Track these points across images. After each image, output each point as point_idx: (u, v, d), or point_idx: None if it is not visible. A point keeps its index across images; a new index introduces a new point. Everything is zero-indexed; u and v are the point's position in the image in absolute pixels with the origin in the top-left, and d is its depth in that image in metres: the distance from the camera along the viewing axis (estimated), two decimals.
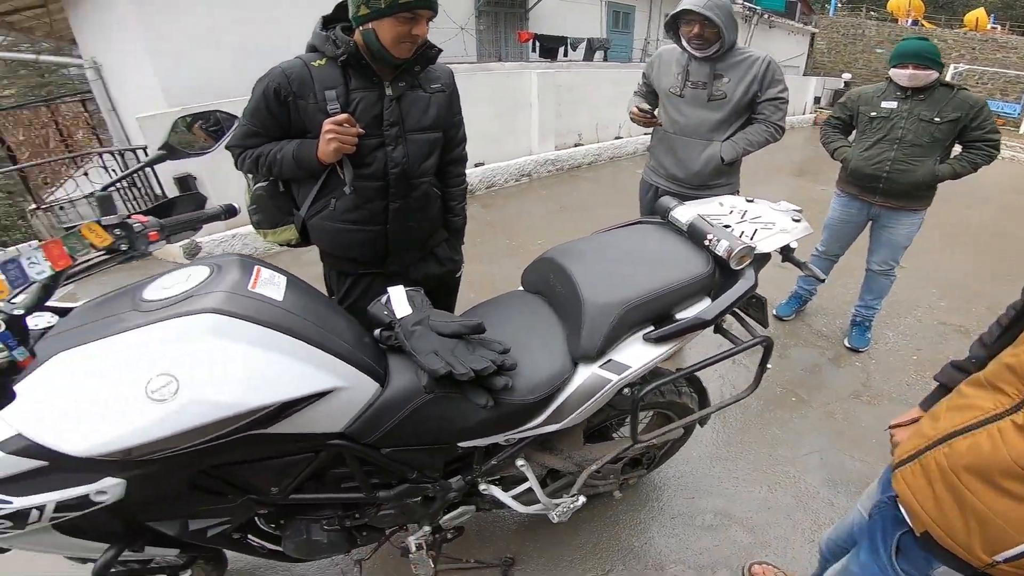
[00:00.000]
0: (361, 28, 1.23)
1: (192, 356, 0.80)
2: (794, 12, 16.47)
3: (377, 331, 1.10)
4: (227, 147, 1.39)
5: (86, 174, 4.61)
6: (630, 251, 1.26)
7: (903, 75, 2.22)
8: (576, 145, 7.23)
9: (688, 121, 2.14)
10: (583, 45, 9.69)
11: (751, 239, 1.24)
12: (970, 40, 16.42)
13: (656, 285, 1.11)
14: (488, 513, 1.66)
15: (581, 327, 1.08)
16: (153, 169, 3.95)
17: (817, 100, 14.21)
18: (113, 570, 0.98)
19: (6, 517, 0.79)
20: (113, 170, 4.24)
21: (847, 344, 2.81)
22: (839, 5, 20.84)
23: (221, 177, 3.58)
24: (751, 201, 1.46)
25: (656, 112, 2.25)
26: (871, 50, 17.16)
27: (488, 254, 3.99)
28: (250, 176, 1.48)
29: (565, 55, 9.48)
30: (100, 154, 4.54)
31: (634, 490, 1.87)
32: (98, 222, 1.02)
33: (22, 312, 0.90)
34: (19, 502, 0.77)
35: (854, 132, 2.57)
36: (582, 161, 7.11)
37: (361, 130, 1.26)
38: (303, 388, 0.86)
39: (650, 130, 2.29)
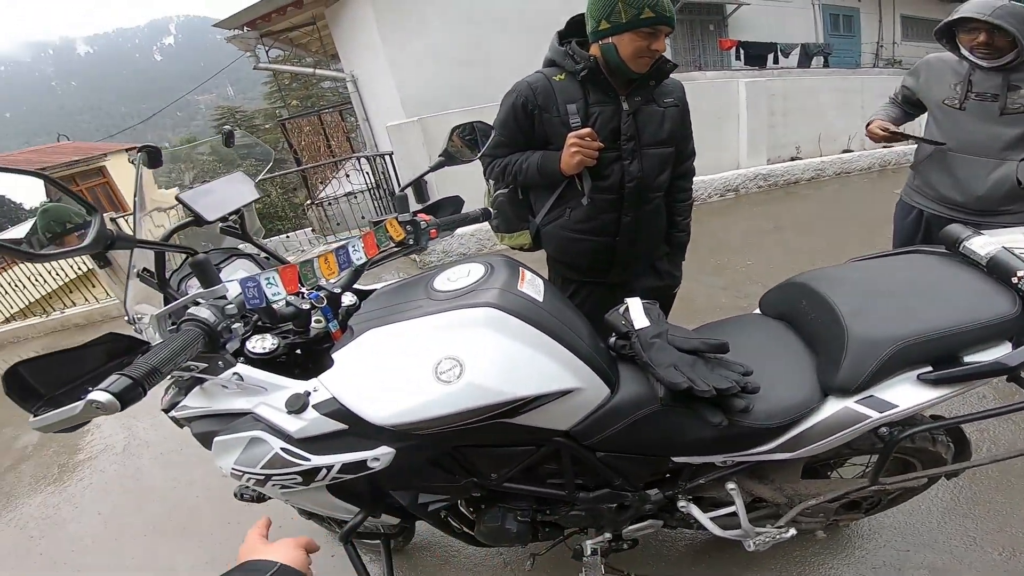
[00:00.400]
0: (600, 43, 1.28)
1: (474, 344, 0.86)
2: None
3: (612, 339, 1.13)
4: (479, 157, 1.53)
5: (347, 175, 5.65)
6: (908, 282, 1.11)
7: None
8: (793, 159, 6.62)
9: (972, 137, 1.79)
10: (796, 51, 8.90)
11: None
12: None
13: (944, 323, 0.97)
14: (667, 531, 1.62)
15: (842, 357, 0.99)
16: (396, 173, 4.68)
17: None
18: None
19: (300, 473, 0.87)
20: (366, 172, 5.13)
21: None
22: None
23: (444, 182, 4.06)
24: None
25: (910, 129, 1.93)
26: None
27: (690, 271, 3.80)
28: (492, 183, 1.63)
29: (775, 62, 8.76)
30: (357, 158, 5.51)
31: (840, 531, 1.66)
32: (396, 218, 1.24)
33: (339, 291, 1.12)
34: (316, 460, 0.86)
35: None
36: (800, 176, 6.39)
37: (602, 144, 1.32)
38: (553, 385, 0.90)
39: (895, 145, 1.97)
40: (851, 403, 0.99)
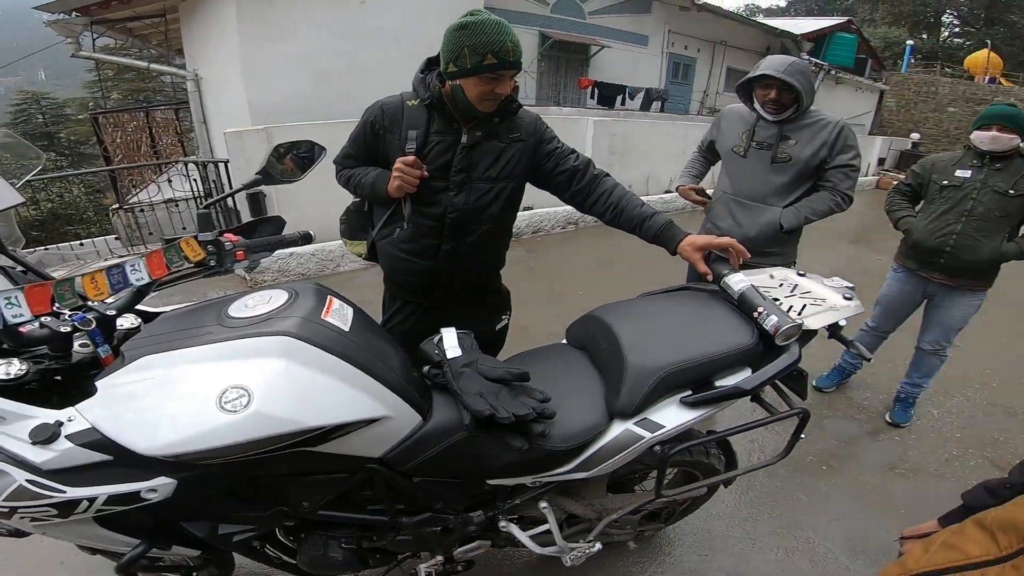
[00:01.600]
0: (451, 83, 1.32)
1: (265, 373, 0.85)
2: (864, 68, 16.07)
3: (426, 368, 1.16)
4: (333, 162, 1.55)
5: (169, 180, 5.00)
6: (677, 317, 1.30)
7: (985, 137, 2.15)
8: None
9: (750, 184, 2.09)
10: (641, 94, 9.89)
11: (799, 314, 1.25)
12: None
13: (698, 353, 1.14)
14: (501, 549, 1.68)
15: (621, 385, 1.12)
16: (231, 182, 4.26)
17: (881, 162, 13.57)
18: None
19: (54, 506, 0.81)
20: (194, 179, 4.59)
21: (888, 419, 2.71)
22: (912, 62, 20.03)
23: (287, 197, 3.82)
24: (802, 275, 1.47)
25: (706, 187, 2.22)
26: (943, 109, 16.15)
27: (527, 299, 4.01)
28: None
29: (623, 103, 9.71)
30: (185, 163, 4.92)
31: (649, 542, 1.86)
32: (195, 237, 1.14)
33: (114, 313, 1.01)
34: (72, 492, 0.80)
35: (922, 202, 2.48)
36: None
37: (425, 173, 1.34)
38: (356, 414, 0.91)
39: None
40: (630, 425, 1.13)
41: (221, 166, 4.41)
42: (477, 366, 1.09)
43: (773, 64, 1.90)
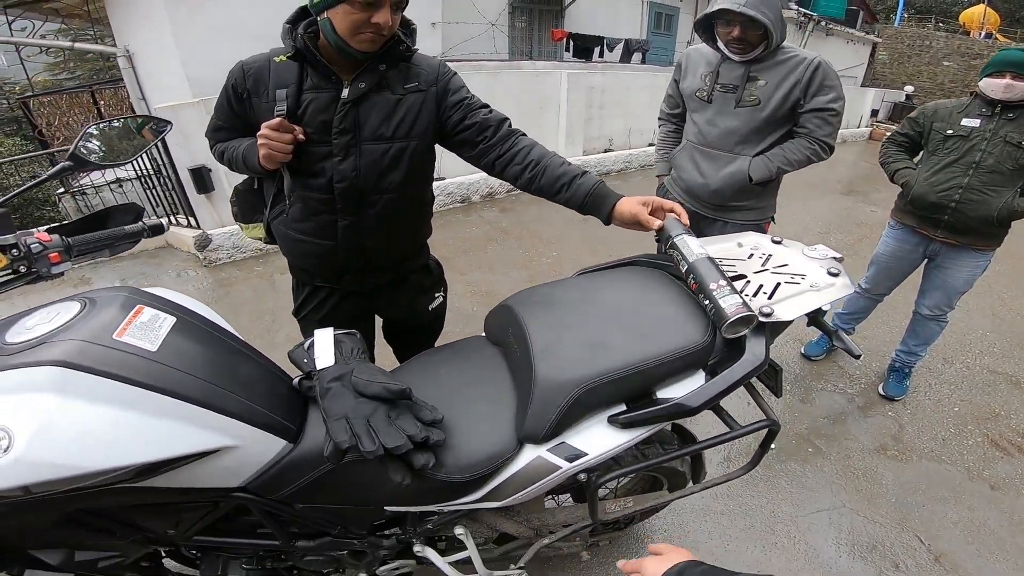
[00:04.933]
0: (318, 17, 1.08)
1: (29, 412, 0.71)
2: (855, 20, 15.25)
3: (296, 379, 0.98)
4: (205, 135, 1.35)
5: None
6: (611, 305, 1.05)
7: (998, 85, 1.90)
8: (606, 151, 6.92)
9: (714, 130, 1.84)
10: (620, 46, 9.35)
11: (770, 296, 1.00)
12: None
13: (631, 358, 0.91)
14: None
15: (529, 404, 0.91)
16: (172, 159, 3.95)
17: (875, 113, 13.19)
18: None
19: None
20: (143, 159, 4.26)
21: (881, 392, 2.50)
22: (905, 16, 19.59)
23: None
24: (778, 243, 1.19)
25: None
26: (938, 63, 15.80)
27: (497, 263, 3.82)
28: None
29: (601, 56, 9.16)
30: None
31: (604, 548, 1.66)
32: None
33: None
34: None
35: (921, 153, 2.23)
36: (611, 168, 6.80)
37: (300, 136, 1.11)
38: (170, 450, 0.77)
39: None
40: (543, 451, 0.92)
41: (159, 143, 4.08)
42: (351, 379, 0.89)
43: None
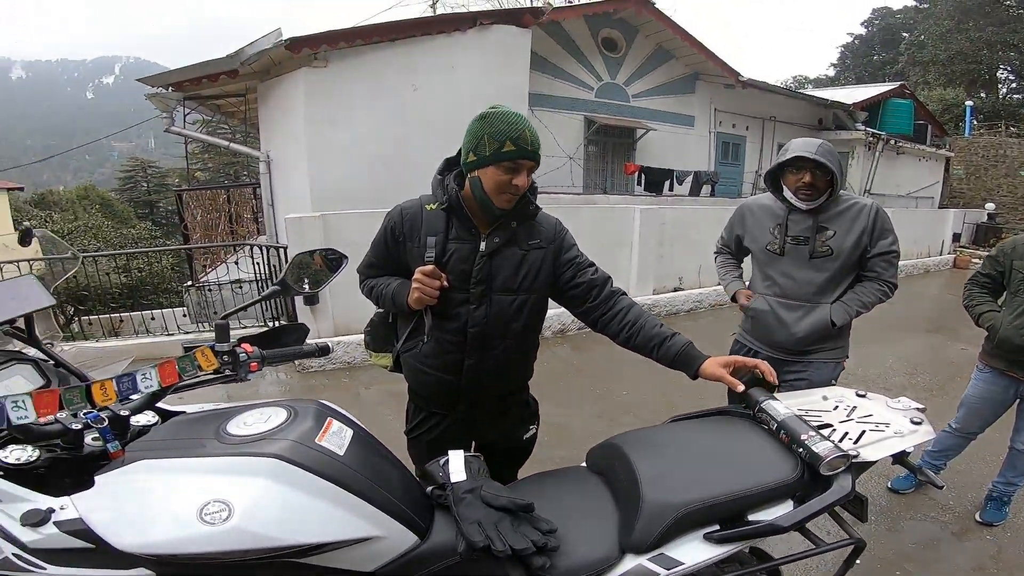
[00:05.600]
0: (468, 176, 1.31)
1: (249, 492, 0.89)
2: (924, 135, 14.49)
3: (430, 488, 1.14)
4: (356, 271, 1.54)
5: (236, 261, 5.36)
6: (706, 447, 1.23)
7: None
8: (676, 289, 6.73)
9: (790, 282, 1.97)
10: (690, 178, 9.69)
11: (856, 442, 1.15)
12: None
13: (727, 489, 1.07)
14: None
15: (636, 520, 1.07)
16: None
17: (956, 237, 12.38)
18: None
19: None
20: (257, 262, 4.89)
21: (978, 519, 2.37)
22: (974, 123, 18.66)
23: (342, 289, 3.99)
24: (862, 396, 1.33)
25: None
26: (1015, 173, 14.76)
27: (570, 398, 3.93)
28: None
29: (671, 189, 9.53)
30: (250, 246, 5.27)
31: None
32: (211, 347, 1.16)
33: (127, 414, 1.08)
34: (53, 570, 0.86)
35: (1005, 294, 2.22)
36: (681, 308, 6.54)
37: (445, 283, 1.30)
38: (343, 534, 0.92)
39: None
40: (644, 560, 1.05)
41: (282, 251, 4.66)
42: (481, 492, 1.06)
43: (803, 146, 1.82)
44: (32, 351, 1.27)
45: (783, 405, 1.21)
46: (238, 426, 1.02)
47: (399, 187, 5.52)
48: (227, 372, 1.19)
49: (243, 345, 1.23)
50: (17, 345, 1.29)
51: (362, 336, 1.68)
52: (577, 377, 4.43)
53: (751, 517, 1.08)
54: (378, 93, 5.70)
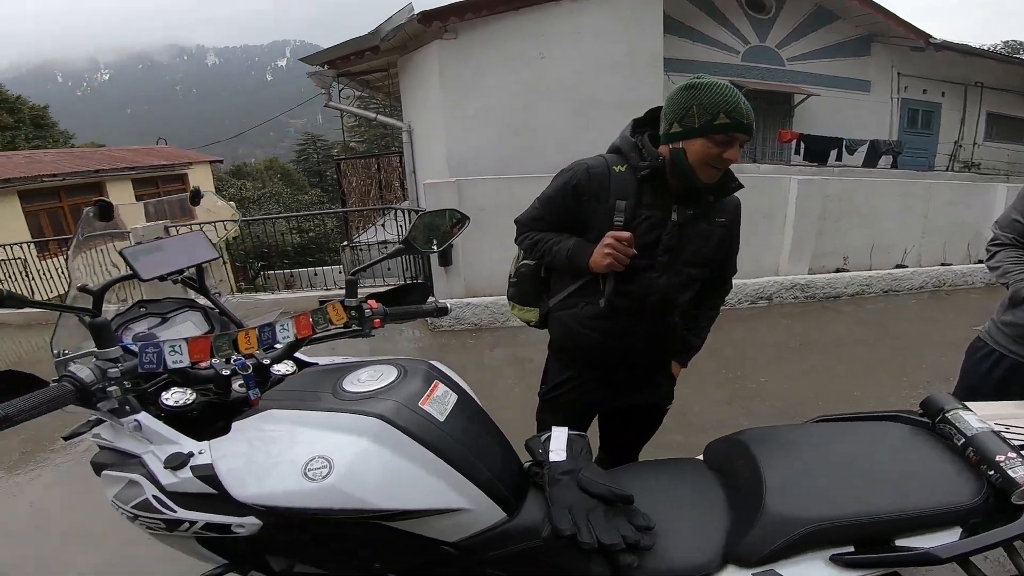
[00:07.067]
0: (671, 145, 1.23)
1: (351, 450, 0.90)
2: None
3: (527, 464, 1.11)
4: (515, 221, 1.52)
5: (383, 224, 5.86)
6: (856, 456, 1.03)
7: None
8: (839, 270, 5.92)
9: None
10: (864, 147, 8.57)
11: None
12: None
13: (879, 508, 0.90)
14: None
15: (750, 527, 0.94)
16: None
17: None
18: None
19: (165, 521, 0.94)
20: (401, 225, 5.27)
21: None
22: None
23: (475, 246, 4.30)
24: None
25: None
26: None
27: (696, 379, 3.63)
28: (522, 252, 1.58)
29: (838, 159, 8.51)
30: (394, 210, 5.69)
31: None
32: (342, 302, 1.22)
33: (268, 362, 1.16)
34: (181, 513, 0.93)
35: None
36: (843, 291, 5.63)
37: (634, 251, 1.25)
38: (432, 503, 0.92)
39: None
40: (748, 574, 0.93)
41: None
42: (579, 476, 1.00)
43: None
44: (203, 300, 1.37)
45: (977, 417, 0.99)
46: (352, 382, 1.04)
47: (525, 154, 5.62)
48: (354, 327, 1.26)
49: (369, 301, 1.29)
50: (191, 294, 1.40)
51: (489, 300, 1.68)
52: (706, 357, 3.96)
53: (899, 542, 0.91)
54: (506, 62, 5.70)
